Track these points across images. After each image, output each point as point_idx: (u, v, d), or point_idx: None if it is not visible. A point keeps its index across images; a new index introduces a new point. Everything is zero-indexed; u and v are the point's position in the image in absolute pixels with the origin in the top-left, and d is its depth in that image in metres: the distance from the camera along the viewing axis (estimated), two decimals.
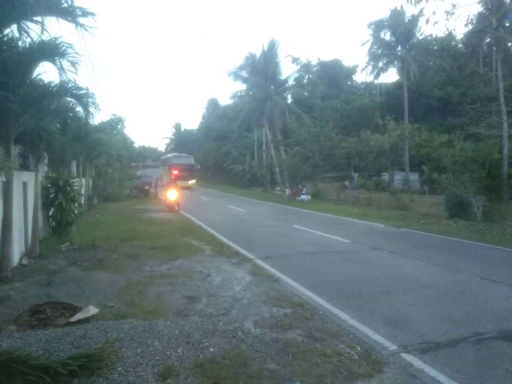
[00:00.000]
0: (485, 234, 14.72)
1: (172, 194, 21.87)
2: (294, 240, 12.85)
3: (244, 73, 43.49)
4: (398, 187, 32.20)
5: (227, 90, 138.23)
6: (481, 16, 26.83)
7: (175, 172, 39.42)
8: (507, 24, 26.53)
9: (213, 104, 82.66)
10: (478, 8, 27.72)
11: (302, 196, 30.55)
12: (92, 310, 5.63)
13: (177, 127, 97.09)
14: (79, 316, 5.47)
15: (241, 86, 45.97)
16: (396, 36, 39.67)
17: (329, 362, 4.47)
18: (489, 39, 28.63)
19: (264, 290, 7.17)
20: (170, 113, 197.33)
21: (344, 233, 13.84)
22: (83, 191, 18.38)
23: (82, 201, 17.34)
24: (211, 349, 4.69)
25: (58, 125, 11.95)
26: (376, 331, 5.42)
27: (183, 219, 18.04)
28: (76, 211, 12.33)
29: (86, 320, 5.39)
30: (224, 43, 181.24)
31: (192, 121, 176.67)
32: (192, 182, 46.63)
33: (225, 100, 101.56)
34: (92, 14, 7.15)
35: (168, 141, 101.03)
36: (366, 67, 43.98)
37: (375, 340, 5.16)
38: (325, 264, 9.49)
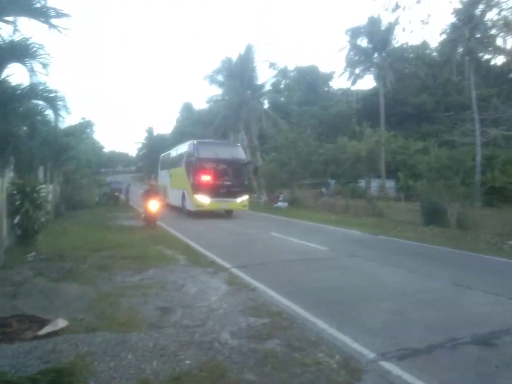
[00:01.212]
0: (459, 240, 14.94)
1: (152, 206, 17.33)
2: (271, 248, 12.73)
3: (220, 77, 42.80)
4: (375, 194, 32.53)
5: (202, 95, 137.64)
6: (454, 27, 27.64)
7: (205, 178, 21.37)
8: (478, 35, 27.33)
9: (187, 108, 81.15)
10: (452, 19, 28.58)
11: (279, 203, 30.49)
12: (62, 323, 5.38)
13: (150, 131, 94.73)
14: (47, 329, 5.21)
15: (217, 91, 45.15)
16: (373, 43, 40.47)
17: (308, 372, 4.41)
18: (462, 48, 29.47)
19: (241, 299, 7.03)
20: (142, 117, 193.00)
21: (322, 241, 13.81)
22: (50, 198, 17.76)
23: (50, 209, 16.73)
24: (187, 362, 4.55)
25: (25, 128, 11.53)
26: (355, 339, 5.37)
27: (155, 227, 17.64)
28: (43, 219, 11.89)
29: (55, 334, 5.14)
30: (200, 47, 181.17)
31: (165, 126, 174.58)
32: (242, 199, 22.16)
33: (200, 104, 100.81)
34: (67, 15, 6.97)
35: (140, 145, 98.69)
36: (343, 73, 44.71)
37: (354, 348, 5.12)
38: (303, 272, 9.42)
